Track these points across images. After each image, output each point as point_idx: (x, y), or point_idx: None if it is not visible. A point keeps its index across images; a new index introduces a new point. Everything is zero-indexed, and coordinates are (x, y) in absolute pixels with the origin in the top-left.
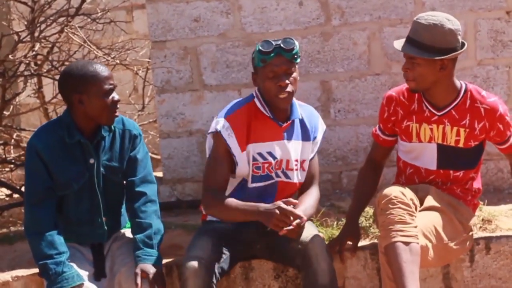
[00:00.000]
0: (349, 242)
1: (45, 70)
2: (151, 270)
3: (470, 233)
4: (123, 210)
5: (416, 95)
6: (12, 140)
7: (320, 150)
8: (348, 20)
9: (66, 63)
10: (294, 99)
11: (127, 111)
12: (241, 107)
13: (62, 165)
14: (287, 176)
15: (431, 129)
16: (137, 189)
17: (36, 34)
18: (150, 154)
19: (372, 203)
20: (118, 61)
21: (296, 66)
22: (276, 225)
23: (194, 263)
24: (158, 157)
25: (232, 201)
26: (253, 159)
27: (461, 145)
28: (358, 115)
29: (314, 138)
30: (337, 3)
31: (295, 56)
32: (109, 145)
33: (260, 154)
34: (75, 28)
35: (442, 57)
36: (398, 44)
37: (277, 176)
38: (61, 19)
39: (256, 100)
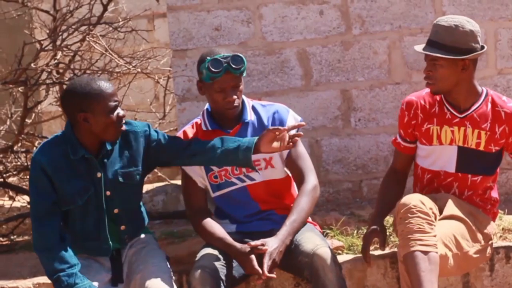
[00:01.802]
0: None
1: (67, 79)
2: None
3: (490, 242)
4: (143, 212)
5: (437, 98)
6: (34, 148)
7: (340, 158)
8: (369, 29)
9: (88, 71)
10: (256, 101)
11: (148, 120)
12: (187, 127)
13: (66, 180)
14: (251, 179)
15: (452, 131)
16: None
17: (58, 42)
18: None
19: (392, 212)
20: (139, 70)
21: (242, 78)
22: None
23: (200, 273)
24: None
25: (211, 226)
26: (209, 169)
27: (481, 148)
28: (378, 124)
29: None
30: (358, 12)
31: (243, 72)
32: (117, 155)
33: None
34: (96, 36)
35: (464, 57)
36: (419, 47)
37: (242, 181)
38: (83, 28)
39: (201, 117)
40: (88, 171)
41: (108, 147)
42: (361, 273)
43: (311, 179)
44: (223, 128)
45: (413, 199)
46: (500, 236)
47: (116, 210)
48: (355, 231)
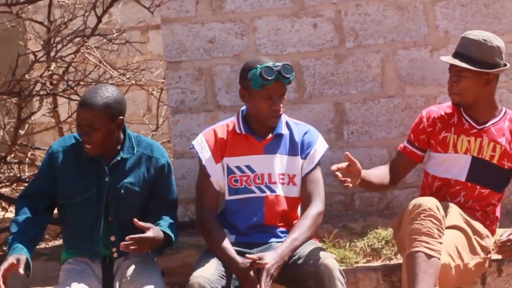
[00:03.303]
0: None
1: (60, 90)
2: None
3: (489, 256)
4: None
5: (457, 110)
6: (27, 159)
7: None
8: (362, 43)
9: (82, 83)
10: (291, 118)
11: (141, 131)
12: (218, 125)
13: (70, 175)
14: (272, 190)
15: (469, 141)
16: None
17: (52, 54)
18: None
19: (397, 214)
20: (133, 82)
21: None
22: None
23: (198, 283)
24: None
25: (217, 233)
26: (231, 172)
27: (495, 161)
28: (371, 137)
29: (307, 154)
30: (351, 26)
31: (291, 81)
32: (132, 168)
33: (238, 168)
34: (91, 48)
35: (490, 71)
36: (447, 58)
37: (261, 191)
38: (77, 39)
39: (235, 119)
40: (97, 173)
41: (126, 155)
42: (353, 285)
43: (318, 205)
44: (256, 135)
45: (429, 202)
46: (493, 249)
47: (110, 218)
48: (348, 244)
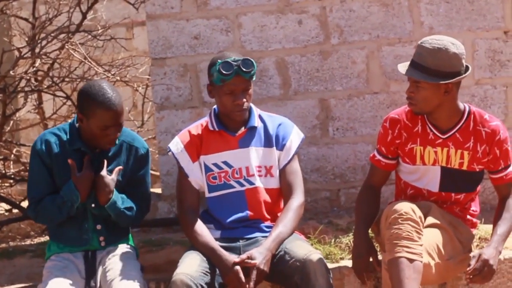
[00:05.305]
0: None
1: (45, 86)
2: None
3: (470, 253)
4: None
5: (419, 117)
6: (12, 156)
7: (318, 167)
8: (347, 39)
9: (67, 79)
10: (260, 111)
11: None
12: (192, 126)
13: (59, 168)
14: (251, 183)
15: (436, 152)
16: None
17: (37, 50)
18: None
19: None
20: (118, 78)
21: (252, 82)
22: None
23: (181, 280)
24: (157, 173)
25: (200, 229)
26: (208, 169)
27: (464, 167)
28: (356, 133)
29: (283, 146)
30: (336, 22)
31: (253, 75)
32: (113, 157)
33: (215, 165)
34: (75, 44)
35: (447, 81)
36: (403, 67)
37: (241, 185)
38: (61, 36)
39: (208, 117)
40: (81, 163)
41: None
42: (338, 281)
43: (299, 197)
44: (229, 130)
45: (405, 206)
46: (477, 245)
47: (93, 205)
48: (333, 240)
